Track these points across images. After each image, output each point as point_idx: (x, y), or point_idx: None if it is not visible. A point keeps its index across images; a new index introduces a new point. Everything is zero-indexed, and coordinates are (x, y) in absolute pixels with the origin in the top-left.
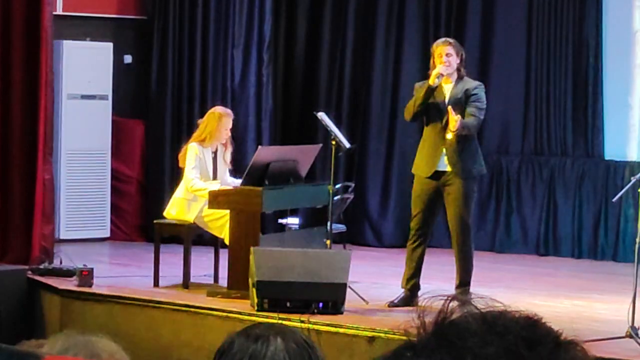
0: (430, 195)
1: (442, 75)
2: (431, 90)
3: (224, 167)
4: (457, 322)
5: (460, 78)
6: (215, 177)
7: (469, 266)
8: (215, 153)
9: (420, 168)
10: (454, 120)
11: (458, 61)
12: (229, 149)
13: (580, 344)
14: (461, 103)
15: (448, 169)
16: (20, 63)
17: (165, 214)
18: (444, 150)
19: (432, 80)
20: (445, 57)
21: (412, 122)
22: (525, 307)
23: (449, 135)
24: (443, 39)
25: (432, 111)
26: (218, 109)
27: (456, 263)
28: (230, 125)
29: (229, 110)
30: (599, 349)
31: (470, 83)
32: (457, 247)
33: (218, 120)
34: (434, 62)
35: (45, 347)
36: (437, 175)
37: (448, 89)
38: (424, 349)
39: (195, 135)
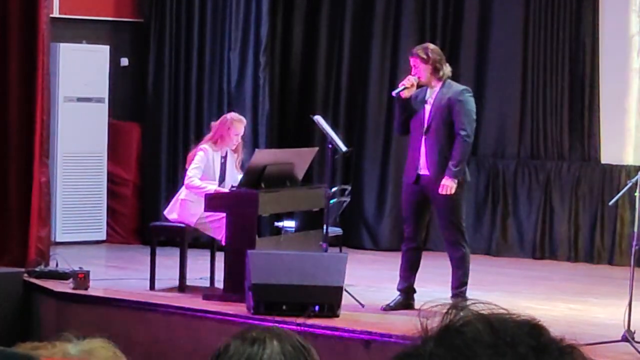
0: (417, 200)
1: (405, 87)
2: (403, 102)
3: (234, 172)
4: (463, 330)
5: (442, 82)
6: (220, 182)
7: (465, 269)
8: (225, 158)
9: (406, 174)
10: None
11: (430, 68)
12: (240, 156)
13: (579, 349)
14: (443, 109)
15: (428, 172)
16: (16, 66)
17: (166, 213)
18: (424, 154)
19: (404, 92)
20: (413, 69)
21: (404, 135)
22: (522, 311)
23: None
24: (411, 50)
25: (414, 118)
26: (231, 114)
27: (451, 266)
28: (241, 132)
29: (242, 117)
30: (595, 352)
31: (455, 88)
32: (451, 251)
33: (229, 125)
34: None
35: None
36: (420, 179)
37: (432, 95)
38: (431, 357)
39: (207, 137)
